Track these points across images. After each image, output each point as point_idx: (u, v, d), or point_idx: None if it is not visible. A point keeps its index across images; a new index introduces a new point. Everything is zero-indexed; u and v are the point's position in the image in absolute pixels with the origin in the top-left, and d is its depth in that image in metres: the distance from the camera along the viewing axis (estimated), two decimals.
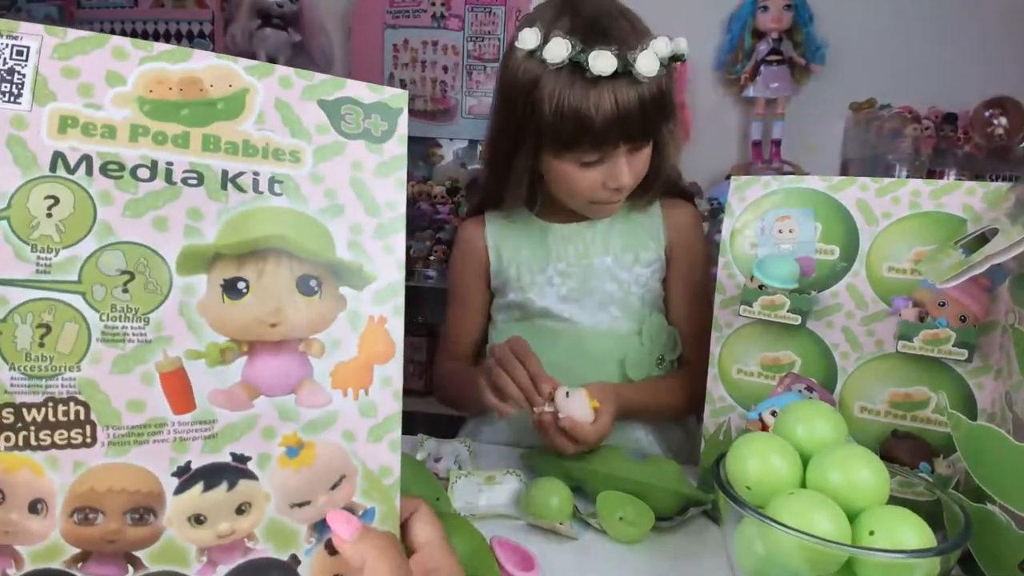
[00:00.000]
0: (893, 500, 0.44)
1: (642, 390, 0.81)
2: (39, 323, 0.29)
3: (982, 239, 0.52)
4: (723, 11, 2.02)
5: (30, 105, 0.29)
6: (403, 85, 2.22)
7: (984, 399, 0.56)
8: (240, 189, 0.33)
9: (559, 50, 0.68)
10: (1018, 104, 1.80)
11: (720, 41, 2.04)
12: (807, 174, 1.67)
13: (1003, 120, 1.79)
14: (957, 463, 0.54)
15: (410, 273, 2.09)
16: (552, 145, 0.73)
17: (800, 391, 0.62)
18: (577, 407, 0.66)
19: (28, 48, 0.30)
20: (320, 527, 0.34)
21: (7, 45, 0.29)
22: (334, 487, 0.34)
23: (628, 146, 0.73)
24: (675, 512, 0.63)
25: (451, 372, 0.92)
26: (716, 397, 0.67)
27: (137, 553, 0.31)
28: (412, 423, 1.78)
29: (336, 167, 0.34)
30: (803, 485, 0.46)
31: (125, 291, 0.30)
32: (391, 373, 0.35)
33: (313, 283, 0.34)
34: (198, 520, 0.31)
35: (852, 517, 0.42)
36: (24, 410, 0.29)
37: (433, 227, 2.22)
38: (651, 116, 0.71)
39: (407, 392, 0.36)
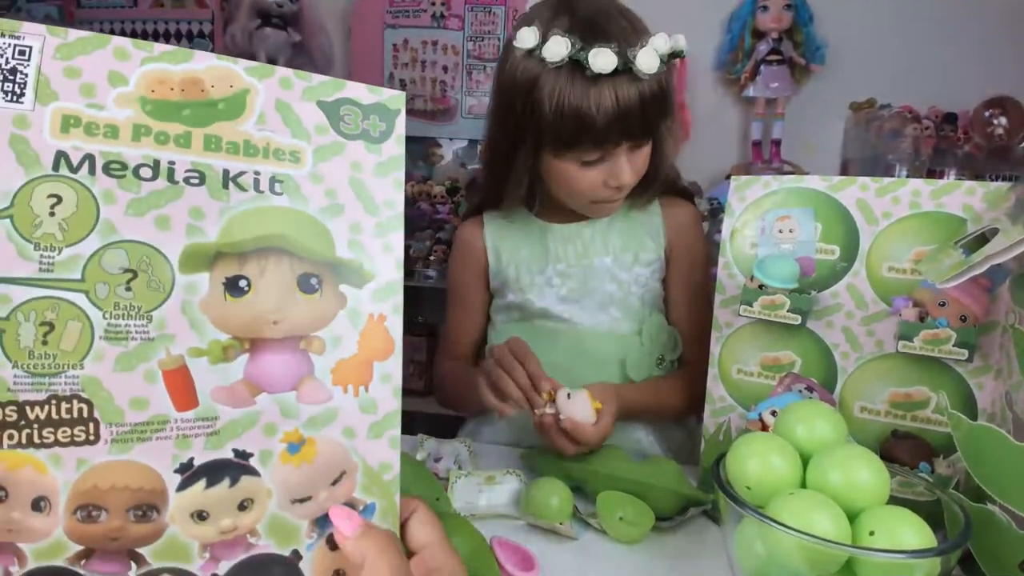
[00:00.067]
0: (893, 500, 0.44)
1: (643, 390, 0.81)
2: (42, 321, 0.29)
3: (982, 239, 0.53)
4: (723, 11, 2.03)
5: (32, 105, 0.30)
6: (403, 85, 2.22)
7: (984, 399, 0.56)
8: (241, 188, 0.33)
9: (558, 48, 0.68)
10: (1018, 104, 1.80)
11: (720, 41, 2.04)
12: (807, 174, 1.68)
13: (1003, 120, 1.79)
14: (957, 463, 0.55)
15: (410, 273, 2.09)
16: (552, 145, 0.73)
17: (800, 391, 0.62)
18: (579, 408, 0.66)
19: (30, 48, 0.30)
20: (321, 522, 0.34)
21: (9, 45, 0.30)
22: (335, 483, 0.34)
23: (629, 144, 0.73)
24: (675, 512, 0.63)
25: (451, 373, 0.92)
26: (716, 397, 0.67)
27: (140, 550, 0.31)
28: (412, 423, 1.79)
29: (335, 167, 0.35)
30: (803, 485, 0.46)
31: (128, 289, 0.30)
32: (391, 370, 0.35)
33: (314, 281, 0.34)
34: (201, 516, 0.32)
35: (852, 517, 0.42)
36: (27, 408, 0.29)
37: (433, 227, 2.22)
38: (652, 113, 0.71)
39: (407, 392, 0.36)
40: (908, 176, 1.76)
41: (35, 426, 0.29)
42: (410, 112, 2.18)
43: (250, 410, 0.33)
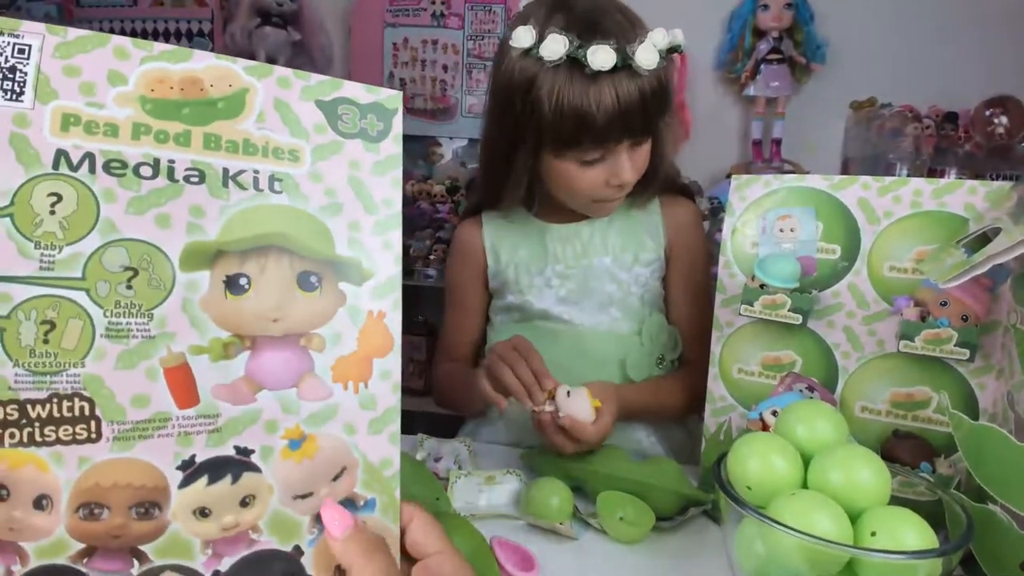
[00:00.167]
0: (894, 500, 0.44)
1: (643, 390, 0.81)
2: (43, 320, 0.29)
3: (984, 238, 0.53)
4: (723, 10, 2.02)
5: (32, 103, 0.30)
6: (403, 84, 2.22)
7: (986, 399, 0.56)
8: (241, 187, 0.33)
9: (556, 47, 0.67)
10: (1019, 103, 1.80)
11: (720, 40, 2.04)
12: (808, 173, 1.67)
13: (1004, 119, 1.79)
14: (958, 463, 0.54)
15: (410, 272, 2.09)
16: (552, 144, 0.73)
17: (801, 391, 0.62)
18: (578, 406, 0.66)
19: (30, 46, 0.30)
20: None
21: (9, 43, 0.30)
22: (335, 479, 0.34)
23: (630, 141, 0.72)
24: (675, 512, 0.63)
25: (449, 373, 0.92)
26: (717, 397, 0.67)
27: (142, 547, 0.31)
28: (412, 423, 1.79)
29: (334, 166, 0.35)
30: (804, 485, 0.46)
31: (129, 287, 0.30)
32: (390, 366, 0.35)
33: (313, 279, 0.34)
34: (203, 513, 0.32)
35: (853, 517, 0.42)
36: (28, 406, 0.29)
37: (433, 226, 2.22)
38: (652, 110, 0.71)
39: (406, 391, 0.36)
40: (909, 175, 1.77)
41: (36, 424, 0.29)
42: (410, 111, 2.19)
43: (251, 407, 0.33)
